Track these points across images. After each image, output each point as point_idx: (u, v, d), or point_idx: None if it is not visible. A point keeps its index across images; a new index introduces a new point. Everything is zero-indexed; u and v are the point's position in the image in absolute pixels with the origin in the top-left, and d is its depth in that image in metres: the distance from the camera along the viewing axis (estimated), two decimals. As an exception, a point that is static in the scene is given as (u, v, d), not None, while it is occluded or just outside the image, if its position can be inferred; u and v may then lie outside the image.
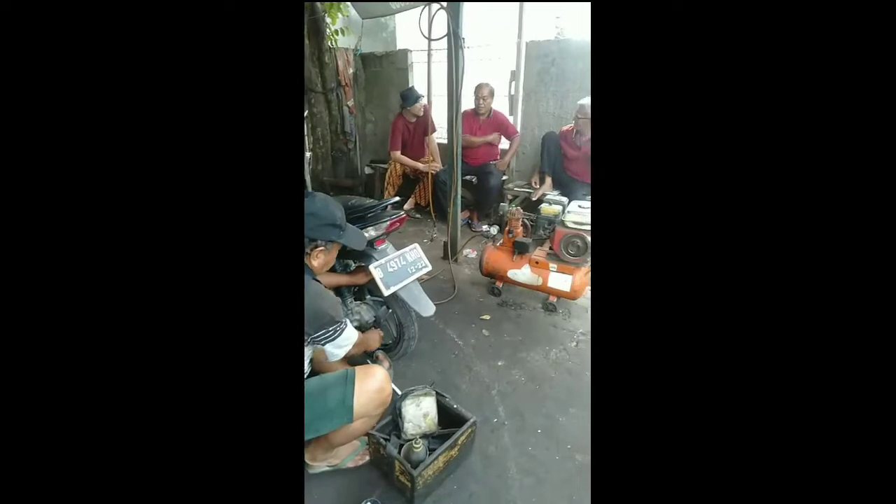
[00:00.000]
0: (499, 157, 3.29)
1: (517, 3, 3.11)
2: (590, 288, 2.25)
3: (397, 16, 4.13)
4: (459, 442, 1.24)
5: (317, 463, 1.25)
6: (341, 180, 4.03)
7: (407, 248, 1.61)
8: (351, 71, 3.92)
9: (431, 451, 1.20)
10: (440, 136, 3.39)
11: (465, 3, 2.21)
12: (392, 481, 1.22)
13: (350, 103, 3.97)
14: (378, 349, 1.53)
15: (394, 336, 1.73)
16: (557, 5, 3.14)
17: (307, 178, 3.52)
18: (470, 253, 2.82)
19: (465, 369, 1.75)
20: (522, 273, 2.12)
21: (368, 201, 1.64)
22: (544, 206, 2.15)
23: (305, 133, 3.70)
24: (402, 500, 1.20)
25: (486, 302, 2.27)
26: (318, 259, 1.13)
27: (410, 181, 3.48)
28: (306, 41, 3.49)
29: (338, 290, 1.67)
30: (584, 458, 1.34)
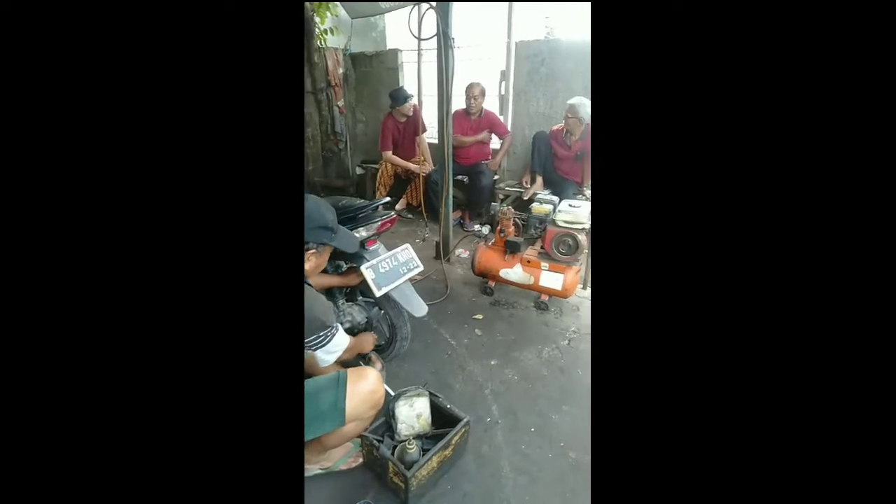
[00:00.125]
0: (490, 157, 3.30)
1: (506, 3, 3.12)
2: (581, 286, 2.27)
3: (387, 15, 4.12)
4: (453, 442, 1.24)
5: (309, 466, 1.24)
6: (332, 181, 4.01)
7: (398, 249, 1.61)
8: (340, 71, 3.90)
9: (425, 451, 1.20)
10: (431, 136, 3.39)
11: (455, 3, 2.21)
12: (386, 483, 1.21)
13: (340, 103, 3.95)
14: (370, 350, 1.53)
15: (386, 337, 1.73)
16: (546, 5, 3.16)
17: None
18: (462, 253, 2.82)
19: (458, 369, 1.75)
20: (514, 272, 2.13)
21: (359, 202, 1.63)
22: (535, 206, 2.17)
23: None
24: (396, 501, 1.19)
25: (479, 301, 2.27)
26: (310, 262, 1.12)
27: (402, 181, 3.47)
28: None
29: (329, 292, 1.66)
30: (577, 455, 1.35)
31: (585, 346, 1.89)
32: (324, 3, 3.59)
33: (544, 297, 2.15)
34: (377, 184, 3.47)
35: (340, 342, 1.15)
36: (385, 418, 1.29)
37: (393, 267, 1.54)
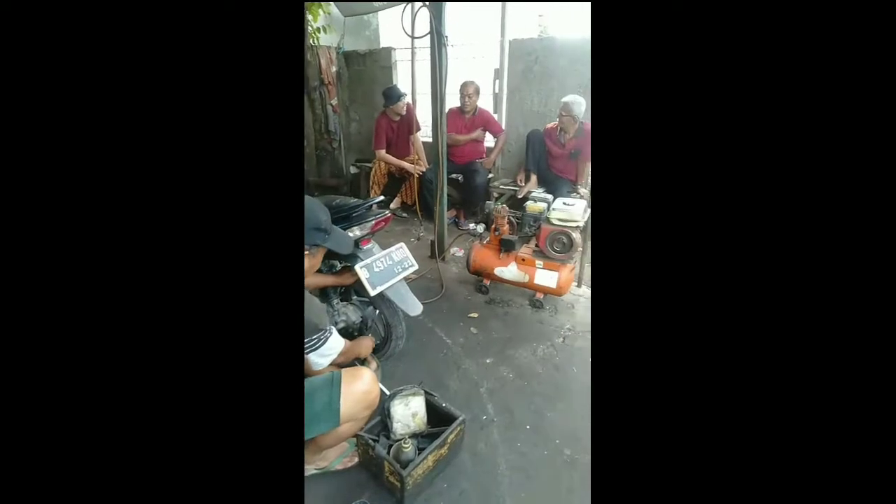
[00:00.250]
0: (484, 156, 3.30)
1: (499, 2, 3.12)
2: (575, 284, 2.28)
3: (380, 13, 4.11)
4: (449, 440, 1.24)
5: (305, 466, 1.23)
6: (326, 180, 3.99)
7: (393, 248, 1.60)
8: (334, 69, 3.88)
9: (421, 450, 1.20)
10: (425, 134, 3.38)
11: (448, 2, 2.21)
12: (382, 482, 1.21)
13: (333, 102, 3.93)
14: (368, 354, 1.52)
15: (381, 336, 1.72)
16: (540, 4, 3.16)
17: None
18: (457, 251, 2.82)
19: (453, 368, 1.76)
20: (509, 270, 2.14)
21: (353, 201, 1.62)
22: (529, 204, 2.17)
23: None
24: (392, 500, 1.19)
25: (474, 300, 2.27)
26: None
27: (396, 180, 3.46)
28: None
29: (323, 291, 1.65)
30: (572, 452, 1.36)
31: (580, 343, 1.90)
32: (316, 2, 3.56)
33: (539, 295, 2.16)
34: (371, 183, 3.46)
35: (334, 345, 1.14)
36: (380, 417, 1.29)
37: (387, 266, 1.54)
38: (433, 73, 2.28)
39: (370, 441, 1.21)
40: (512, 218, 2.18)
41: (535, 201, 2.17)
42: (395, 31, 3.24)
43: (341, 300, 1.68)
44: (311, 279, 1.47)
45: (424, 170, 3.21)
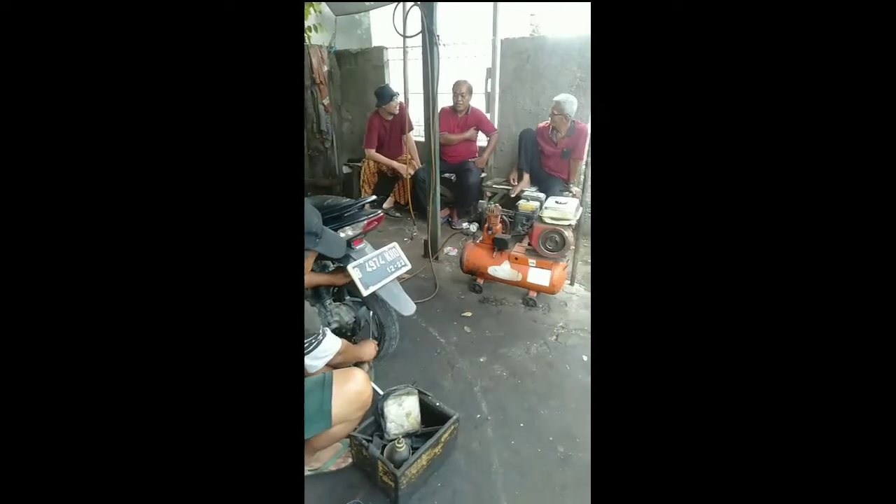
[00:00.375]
0: (477, 155, 3.31)
1: (490, 2, 3.12)
2: (568, 282, 2.29)
3: (372, 13, 4.09)
4: (442, 439, 1.24)
5: (298, 468, 1.22)
6: (318, 180, 3.97)
7: (385, 248, 1.60)
8: (325, 69, 3.86)
9: (414, 449, 1.20)
10: (418, 134, 3.37)
11: (439, 2, 2.20)
12: (376, 482, 1.21)
13: (325, 101, 3.91)
14: (372, 359, 1.50)
15: (374, 336, 1.72)
16: (531, 3, 3.17)
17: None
18: (450, 251, 2.83)
19: (447, 367, 1.76)
20: (502, 269, 2.14)
21: (345, 200, 1.61)
22: (522, 203, 2.18)
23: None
24: (386, 500, 1.19)
25: (468, 299, 2.28)
26: None
27: (387, 179, 3.45)
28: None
29: (316, 292, 1.64)
30: (566, 449, 1.36)
31: (573, 341, 1.92)
32: (307, 1, 3.54)
33: (532, 294, 2.17)
34: (361, 181, 3.45)
35: (329, 347, 1.13)
36: (374, 417, 1.29)
37: (380, 266, 1.53)
38: (425, 73, 2.27)
39: (364, 441, 1.20)
40: (505, 217, 2.18)
41: (528, 200, 2.17)
42: (386, 31, 3.22)
43: (334, 300, 1.67)
44: (305, 278, 1.46)
45: (417, 169, 3.20)
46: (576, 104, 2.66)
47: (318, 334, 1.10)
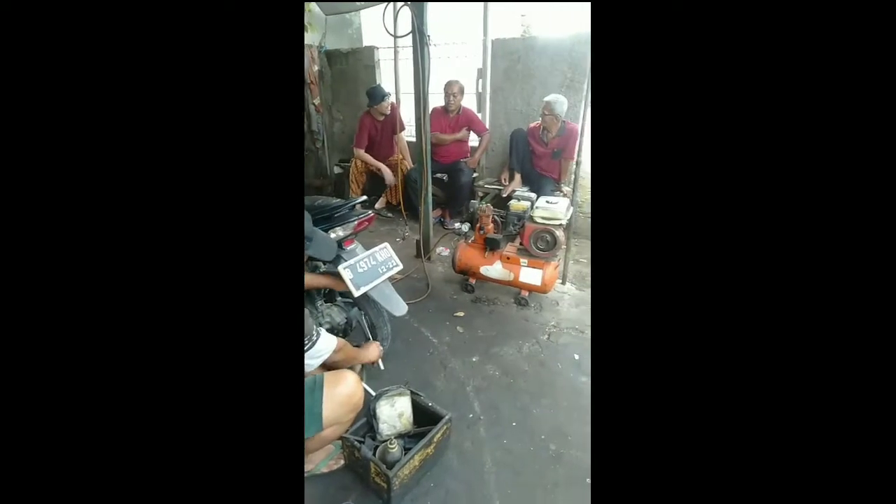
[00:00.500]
0: (469, 155, 3.31)
1: (481, 2, 3.13)
2: (559, 281, 2.30)
3: (362, 12, 4.07)
4: (435, 440, 1.24)
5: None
6: (310, 180, 3.94)
7: (377, 248, 1.59)
8: (316, 68, 3.83)
9: (407, 450, 1.20)
10: (409, 134, 3.37)
11: (429, 2, 2.20)
12: (368, 483, 1.20)
13: (316, 101, 3.88)
14: (376, 361, 1.49)
15: (366, 337, 1.71)
16: (522, 4, 3.18)
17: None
18: (443, 251, 2.83)
19: (439, 367, 1.76)
20: (494, 269, 2.15)
21: (336, 201, 1.61)
22: (513, 202, 2.18)
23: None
24: (378, 502, 1.19)
25: (460, 299, 2.28)
26: None
27: (376, 178, 3.44)
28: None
29: (307, 292, 1.63)
30: (558, 447, 1.37)
31: (564, 339, 1.93)
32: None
33: (524, 293, 2.17)
34: (349, 181, 3.45)
35: (323, 347, 1.12)
36: (366, 419, 1.29)
37: (371, 266, 1.52)
38: (416, 73, 2.27)
39: (356, 443, 1.20)
40: (496, 217, 2.19)
41: (519, 200, 2.18)
42: (377, 30, 3.22)
43: (325, 301, 1.66)
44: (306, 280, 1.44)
45: (409, 169, 3.20)
46: (566, 104, 2.67)
47: (313, 335, 1.09)
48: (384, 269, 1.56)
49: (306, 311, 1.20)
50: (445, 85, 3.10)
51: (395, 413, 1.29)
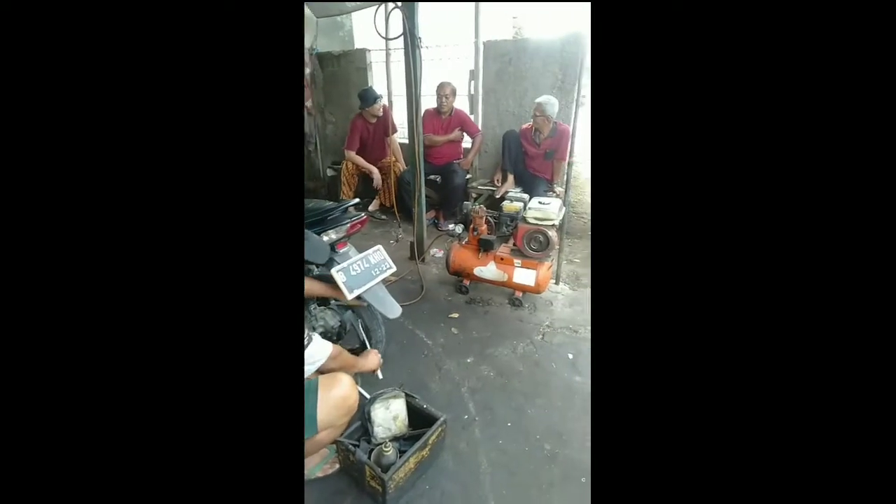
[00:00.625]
0: (462, 156, 3.32)
1: (472, 3, 3.14)
2: (553, 282, 2.31)
3: (354, 15, 4.07)
4: (430, 442, 1.24)
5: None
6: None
7: (370, 250, 1.59)
8: (308, 71, 3.82)
9: (402, 453, 1.20)
10: (402, 136, 3.37)
11: (420, 3, 2.21)
12: (363, 487, 1.20)
13: (308, 104, 3.87)
14: (375, 369, 1.48)
15: (360, 340, 1.71)
16: (513, 4, 3.20)
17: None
18: (437, 252, 2.83)
19: (434, 369, 1.76)
20: (488, 270, 2.15)
21: (328, 204, 1.60)
22: (506, 203, 2.19)
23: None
24: (374, 505, 1.19)
25: (455, 300, 2.28)
26: None
27: (368, 179, 3.43)
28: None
29: (300, 297, 1.62)
30: (552, 446, 1.38)
31: (558, 339, 1.94)
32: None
33: (518, 294, 2.18)
34: (341, 183, 3.44)
35: (316, 353, 1.10)
36: (361, 422, 1.28)
37: (365, 269, 1.52)
38: (408, 75, 2.27)
39: (350, 446, 1.19)
40: (490, 218, 2.20)
41: (512, 201, 2.19)
42: (369, 33, 3.22)
43: (318, 304, 1.65)
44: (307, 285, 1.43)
45: (402, 171, 3.20)
46: (557, 105, 2.69)
47: (304, 339, 1.09)
48: (378, 272, 1.56)
49: None
50: (438, 87, 3.10)
51: (389, 416, 1.29)
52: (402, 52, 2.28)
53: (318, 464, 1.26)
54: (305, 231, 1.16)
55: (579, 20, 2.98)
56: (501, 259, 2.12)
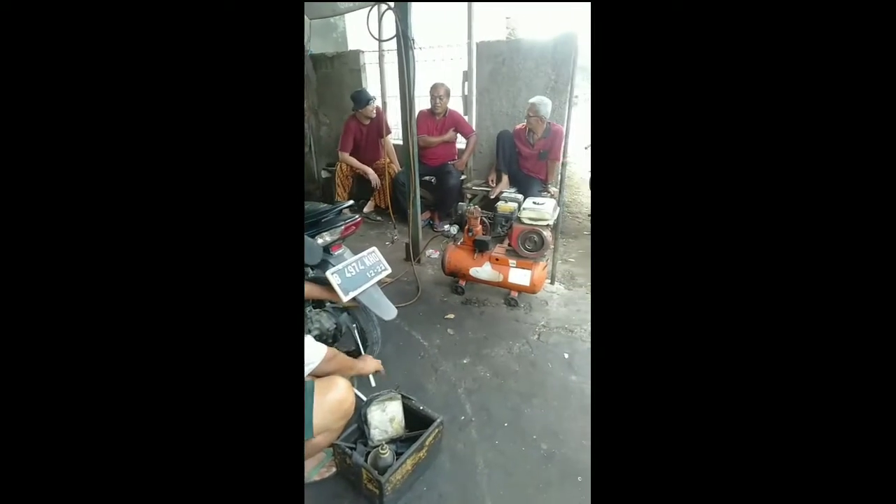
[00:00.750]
0: (456, 157, 3.32)
1: (465, 4, 3.15)
2: (548, 281, 2.32)
3: (347, 16, 4.06)
4: (427, 443, 1.24)
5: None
6: (297, 185, 3.90)
7: (365, 252, 1.58)
8: (301, 72, 3.81)
9: (399, 455, 1.19)
10: (396, 137, 3.37)
11: (413, 4, 2.21)
12: (361, 490, 1.20)
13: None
14: (373, 373, 1.47)
15: (356, 342, 1.70)
16: (507, 5, 3.21)
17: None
18: (432, 253, 2.83)
19: (430, 370, 1.76)
20: (484, 270, 2.16)
21: (322, 206, 1.60)
22: (501, 204, 2.20)
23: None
24: (371, 507, 1.18)
25: (450, 301, 2.28)
26: None
27: (362, 181, 3.43)
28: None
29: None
30: (549, 446, 1.38)
31: (554, 339, 1.94)
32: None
33: (514, 294, 2.19)
34: (335, 184, 3.43)
35: (310, 355, 1.10)
36: (357, 424, 1.28)
37: (359, 271, 1.52)
38: (401, 76, 2.27)
39: (347, 449, 1.19)
40: (485, 218, 2.20)
41: (507, 201, 2.20)
42: (362, 34, 3.21)
43: (314, 307, 1.65)
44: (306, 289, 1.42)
45: (397, 173, 3.20)
46: (550, 106, 2.70)
47: None
48: (373, 274, 1.56)
49: None
50: (431, 88, 3.11)
51: (386, 418, 1.28)
52: (395, 53, 2.28)
53: (314, 467, 1.25)
54: None
55: (572, 20, 2.99)
56: (497, 259, 2.13)
